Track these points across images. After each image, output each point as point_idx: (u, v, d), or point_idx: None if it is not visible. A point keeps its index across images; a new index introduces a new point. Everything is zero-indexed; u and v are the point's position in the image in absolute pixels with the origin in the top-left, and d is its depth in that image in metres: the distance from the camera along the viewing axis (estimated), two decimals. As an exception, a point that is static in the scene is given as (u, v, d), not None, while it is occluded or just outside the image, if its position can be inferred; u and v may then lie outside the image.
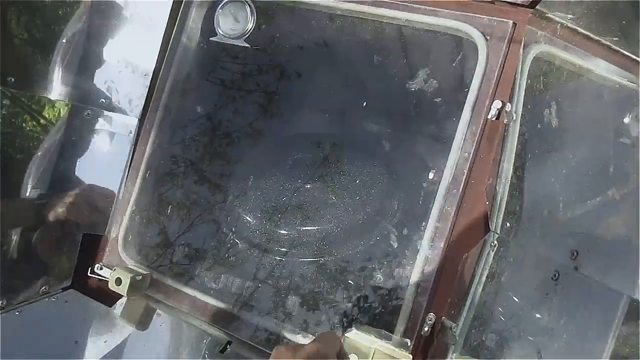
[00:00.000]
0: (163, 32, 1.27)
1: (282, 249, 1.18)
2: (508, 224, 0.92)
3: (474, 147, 0.99)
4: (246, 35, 1.25)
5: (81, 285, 1.27)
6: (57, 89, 1.26)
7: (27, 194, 1.23)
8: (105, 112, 1.28)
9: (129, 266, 1.24)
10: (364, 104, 1.22)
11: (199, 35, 1.31)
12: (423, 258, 1.00)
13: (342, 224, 1.14)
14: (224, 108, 1.47)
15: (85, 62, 1.29)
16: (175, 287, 1.20)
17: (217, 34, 1.26)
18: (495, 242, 0.91)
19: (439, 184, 1.05)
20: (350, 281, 1.30)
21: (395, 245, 1.38)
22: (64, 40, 1.27)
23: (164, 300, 1.20)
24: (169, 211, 1.32)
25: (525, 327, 1.00)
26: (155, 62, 1.27)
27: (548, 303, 1.00)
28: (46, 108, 1.27)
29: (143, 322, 1.20)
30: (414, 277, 1.00)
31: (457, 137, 1.01)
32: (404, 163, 1.51)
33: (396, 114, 1.41)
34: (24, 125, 1.25)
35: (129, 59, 1.28)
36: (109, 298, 1.25)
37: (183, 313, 1.18)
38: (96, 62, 1.30)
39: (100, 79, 1.30)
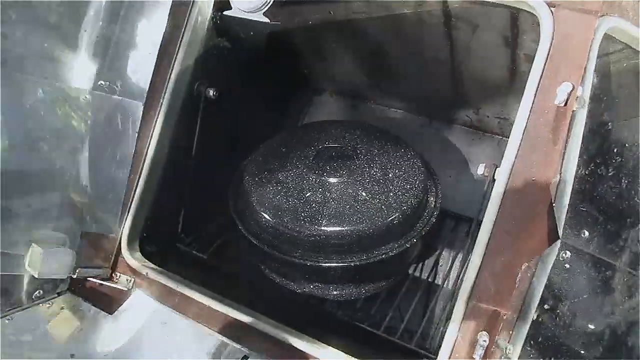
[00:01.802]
0: (169, 7, 1.12)
1: (305, 251, 1.04)
2: (587, 233, 0.77)
3: (537, 138, 0.84)
4: (264, 9, 1.09)
5: (79, 289, 1.13)
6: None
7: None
8: (109, 96, 1.14)
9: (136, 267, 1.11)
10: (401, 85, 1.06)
11: (211, 9, 1.15)
12: (475, 267, 0.85)
13: (375, 223, 1.00)
14: (239, 92, 1.34)
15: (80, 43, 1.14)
16: (184, 292, 1.06)
17: (231, 8, 1.11)
18: (568, 252, 0.76)
19: (494, 180, 0.91)
20: (386, 288, 1.17)
21: (442, 246, 1.26)
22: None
23: (169, 305, 1.07)
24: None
25: None
26: (161, 40, 1.12)
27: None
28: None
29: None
30: (464, 289, 0.86)
31: (517, 127, 0.86)
32: (449, 154, 1.39)
33: (442, 96, 1.28)
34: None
35: (133, 38, 1.13)
36: (109, 303, 1.11)
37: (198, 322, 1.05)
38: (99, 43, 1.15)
39: (100, 60, 1.15)
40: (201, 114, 1.20)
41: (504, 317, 0.84)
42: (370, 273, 1.07)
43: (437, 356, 1.01)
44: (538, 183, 0.85)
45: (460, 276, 1.18)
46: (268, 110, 1.56)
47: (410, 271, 1.23)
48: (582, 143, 0.82)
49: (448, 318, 1.07)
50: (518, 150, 0.86)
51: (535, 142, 0.86)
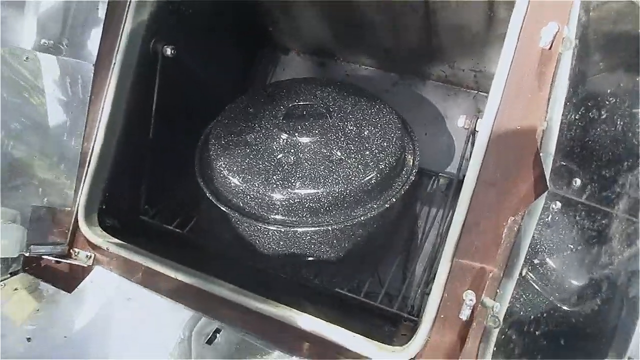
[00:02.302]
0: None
1: (278, 217, 0.98)
2: (578, 181, 0.73)
3: (521, 85, 0.80)
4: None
5: (34, 268, 1.05)
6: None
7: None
8: (55, 57, 1.04)
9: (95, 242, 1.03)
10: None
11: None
12: (458, 223, 0.81)
13: (352, 183, 0.94)
14: (199, 50, 1.25)
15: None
16: (149, 265, 0.99)
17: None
18: (558, 203, 0.72)
19: (476, 132, 0.87)
20: (365, 252, 1.13)
21: (420, 206, 1.22)
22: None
23: (134, 280, 1.00)
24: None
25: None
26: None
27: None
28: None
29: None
30: (448, 246, 0.82)
31: (499, 73, 0.81)
32: (423, 111, 1.34)
33: (415, 50, 1.22)
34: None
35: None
36: (68, 282, 1.04)
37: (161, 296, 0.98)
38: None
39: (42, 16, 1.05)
40: (159, 74, 1.11)
41: (490, 275, 0.80)
42: (347, 236, 1.02)
43: (420, 318, 0.98)
44: (523, 132, 0.80)
45: (442, 234, 1.15)
46: (232, 71, 1.48)
47: (389, 232, 1.19)
48: (569, 87, 0.78)
49: (431, 279, 1.03)
50: (501, 98, 0.82)
51: (519, 89, 0.81)
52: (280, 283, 1.12)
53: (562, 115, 0.78)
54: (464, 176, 1.22)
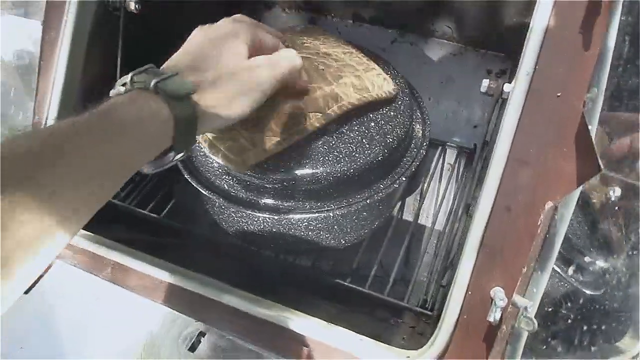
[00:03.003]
0: None
1: (270, 202, 0.85)
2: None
3: (562, 42, 0.66)
4: None
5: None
6: None
7: None
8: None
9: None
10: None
11: None
12: (487, 206, 0.69)
13: (355, 161, 0.81)
14: (168, 3, 1.09)
15: None
16: (119, 260, 0.86)
17: None
18: (618, 190, 0.60)
19: (503, 100, 0.74)
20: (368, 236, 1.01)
21: (424, 181, 1.08)
22: None
23: (102, 277, 0.87)
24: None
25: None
26: None
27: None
28: None
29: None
30: (474, 235, 0.70)
31: (536, 27, 0.68)
32: (426, 73, 1.19)
33: (418, 1, 1.07)
34: None
35: None
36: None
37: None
38: None
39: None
40: (122, 34, 0.95)
41: (524, 270, 0.69)
42: (350, 221, 0.89)
43: (433, 312, 0.88)
44: (564, 100, 0.68)
45: (455, 214, 1.03)
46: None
47: (394, 213, 1.07)
48: (621, 44, 0.65)
49: (448, 267, 0.92)
50: (537, 58, 0.68)
51: (560, 48, 0.68)
52: (273, 275, 1.00)
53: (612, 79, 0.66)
54: (475, 146, 1.12)
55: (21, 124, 0.90)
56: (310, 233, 0.89)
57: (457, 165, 1.14)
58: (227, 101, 0.62)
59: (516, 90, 0.69)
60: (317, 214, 0.82)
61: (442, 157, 1.15)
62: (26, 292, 0.88)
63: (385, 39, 1.26)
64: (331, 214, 0.82)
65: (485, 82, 0.77)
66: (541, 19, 0.68)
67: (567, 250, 0.65)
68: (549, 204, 0.68)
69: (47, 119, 0.91)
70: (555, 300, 0.65)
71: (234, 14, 1.35)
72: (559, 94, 0.68)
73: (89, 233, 0.92)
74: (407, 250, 1.16)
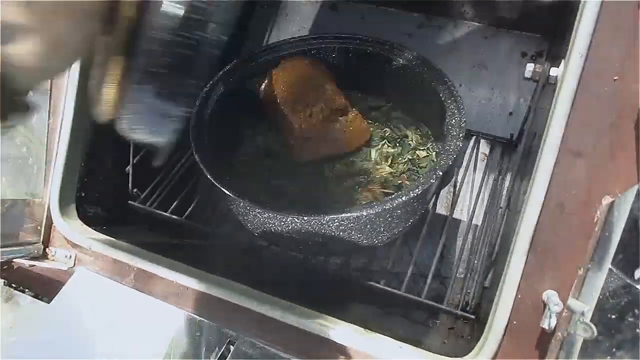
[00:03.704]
0: None
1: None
2: None
3: (620, 20, 0.61)
4: None
5: (6, 273, 0.88)
6: None
7: None
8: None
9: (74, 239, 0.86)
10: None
11: None
12: (537, 202, 0.64)
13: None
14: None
15: None
16: (142, 267, 0.83)
17: None
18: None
19: (550, 83, 0.68)
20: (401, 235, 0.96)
21: (457, 173, 1.03)
22: None
23: (126, 283, 0.84)
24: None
25: None
26: None
27: None
28: None
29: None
30: (524, 234, 0.65)
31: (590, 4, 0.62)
32: (455, 58, 1.14)
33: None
34: None
35: None
36: (47, 288, 0.87)
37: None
38: None
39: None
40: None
41: (579, 272, 0.63)
42: (383, 220, 0.85)
43: (476, 316, 0.83)
44: (622, 84, 0.62)
45: (496, 210, 0.98)
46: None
47: (426, 209, 1.02)
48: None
49: (490, 268, 0.87)
50: (591, 37, 0.62)
51: (617, 25, 0.62)
52: (301, 277, 0.96)
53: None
54: (512, 135, 1.06)
55: (36, 128, 0.87)
56: (341, 234, 0.84)
57: (492, 155, 1.09)
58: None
59: (568, 74, 0.63)
60: (349, 214, 0.77)
61: (476, 147, 1.09)
62: (47, 301, 0.86)
63: (412, 23, 1.20)
64: (364, 213, 0.77)
65: (530, 67, 0.71)
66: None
67: (633, 252, 0.59)
68: (607, 199, 0.62)
69: (63, 118, 0.87)
70: (620, 306, 0.60)
71: (253, 2, 1.31)
72: (615, 78, 0.62)
73: (109, 238, 0.89)
74: (443, 247, 1.12)
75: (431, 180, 0.81)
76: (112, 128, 0.94)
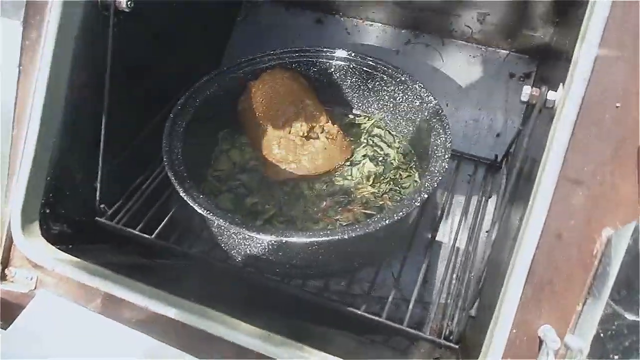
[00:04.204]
0: None
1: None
2: None
3: (624, 42, 0.58)
4: None
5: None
6: None
7: None
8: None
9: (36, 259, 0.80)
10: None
11: None
12: (536, 232, 0.61)
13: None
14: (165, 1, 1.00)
15: None
16: (110, 291, 0.77)
17: None
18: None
19: (548, 107, 0.66)
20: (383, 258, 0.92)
21: (441, 195, 0.99)
22: None
23: (91, 308, 0.78)
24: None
25: None
26: None
27: None
28: None
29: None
30: (520, 265, 0.62)
31: (595, 20, 0.59)
32: (442, 77, 1.12)
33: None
34: None
35: None
36: (4, 314, 0.81)
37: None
38: None
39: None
40: (113, 33, 0.86)
41: (577, 307, 0.60)
42: (366, 242, 0.81)
43: (466, 348, 0.79)
44: (625, 112, 0.59)
45: (480, 234, 0.95)
46: (207, 30, 1.22)
47: (410, 231, 0.98)
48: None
49: (477, 296, 0.83)
50: (594, 64, 0.60)
51: (621, 53, 0.59)
52: (280, 302, 0.91)
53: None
54: (496, 157, 1.04)
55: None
56: (320, 257, 0.80)
57: (475, 176, 1.06)
58: None
59: (568, 100, 0.60)
60: (329, 237, 0.73)
61: (458, 169, 1.06)
62: (4, 328, 0.80)
63: (398, 39, 1.18)
64: (346, 237, 0.74)
65: (527, 90, 0.69)
66: (601, 9, 0.59)
67: (633, 287, 0.57)
68: (607, 231, 0.59)
69: (28, 129, 0.81)
70: (620, 344, 0.57)
71: (234, 11, 1.27)
72: (618, 104, 0.59)
73: (75, 259, 0.82)
74: (424, 271, 1.09)
75: (415, 203, 0.78)
76: (82, 139, 0.90)
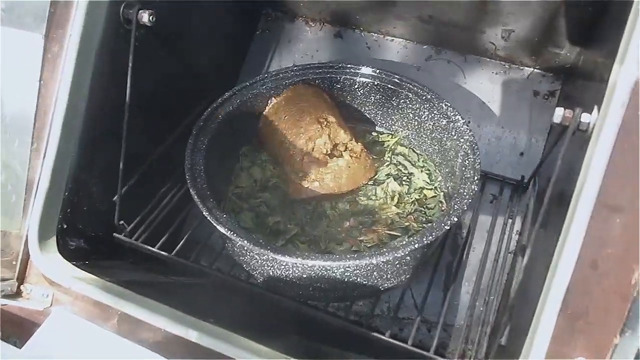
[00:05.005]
0: None
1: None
2: None
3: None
4: None
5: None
6: None
7: None
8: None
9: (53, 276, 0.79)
10: None
11: None
12: (571, 259, 0.59)
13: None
14: (185, 16, 0.99)
15: None
16: (128, 311, 0.76)
17: None
18: None
19: (580, 130, 0.64)
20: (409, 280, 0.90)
21: (478, 219, 0.97)
22: None
23: (108, 328, 0.76)
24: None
25: None
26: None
27: None
28: None
29: None
30: (554, 295, 0.60)
31: (633, 49, 0.58)
32: (464, 94, 1.11)
33: (458, 13, 0.97)
34: None
35: None
36: (20, 331, 0.79)
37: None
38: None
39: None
40: (133, 49, 0.85)
41: (614, 340, 0.58)
42: (392, 266, 0.79)
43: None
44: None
45: (506, 257, 0.93)
46: (227, 43, 1.21)
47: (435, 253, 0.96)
48: None
49: (507, 323, 0.81)
50: (633, 87, 0.58)
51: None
52: (301, 324, 0.89)
53: None
54: (523, 178, 1.01)
55: (17, 153, 0.80)
56: (345, 280, 0.78)
57: (500, 197, 1.04)
58: None
59: (607, 123, 0.58)
60: (358, 261, 0.71)
61: (484, 187, 1.04)
62: (19, 346, 0.78)
63: (419, 55, 1.16)
64: (374, 262, 0.72)
65: (560, 112, 0.67)
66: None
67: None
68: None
69: (47, 144, 0.81)
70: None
71: (253, 24, 1.27)
72: (661, 129, 0.57)
73: (91, 276, 0.81)
74: (444, 290, 1.06)
75: (445, 227, 0.76)
76: (100, 154, 0.89)
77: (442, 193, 0.96)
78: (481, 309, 0.94)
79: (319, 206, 0.95)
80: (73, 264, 0.83)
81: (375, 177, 0.98)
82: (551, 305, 0.60)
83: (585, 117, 0.66)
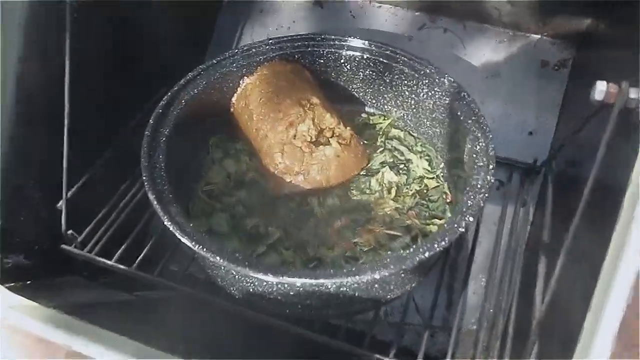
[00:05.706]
0: None
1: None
2: None
3: None
4: None
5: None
6: None
7: None
8: None
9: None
10: None
11: None
12: (631, 270, 0.48)
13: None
14: None
15: None
16: (77, 348, 0.62)
17: None
18: None
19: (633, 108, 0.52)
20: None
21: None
22: None
23: None
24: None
25: None
26: None
27: None
28: None
29: None
30: (608, 317, 0.48)
31: None
32: (464, 66, 0.98)
33: None
34: None
35: None
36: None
37: None
38: None
39: None
40: (70, 26, 0.70)
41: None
42: (397, 277, 0.67)
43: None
44: None
45: (520, 255, 0.81)
46: (189, 15, 1.05)
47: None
48: None
49: (535, 341, 0.69)
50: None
51: None
52: (286, 347, 0.77)
53: None
54: (536, 161, 0.90)
55: None
56: (340, 295, 0.66)
57: (509, 183, 0.92)
58: None
59: None
60: (355, 277, 0.59)
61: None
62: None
63: (411, 24, 1.04)
64: (377, 276, 0.59)
65: (602, 86, 0.54)
66: None
67: None
68: None
69: None
70: None
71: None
72: None
73: (33, 304, 0.67)
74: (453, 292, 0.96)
75: (460, 229, 0.63)
76: (39, 151, 0.74)
77: (445, 183, 0.84)
78: (491, 310, 0.83)
79: (304, 203, 0.82)
80: (7, 287, 0.69)
81: (368, 166, 0.86)
82: (606, 327, 0.49)
83: (633, 93, 0.53)
